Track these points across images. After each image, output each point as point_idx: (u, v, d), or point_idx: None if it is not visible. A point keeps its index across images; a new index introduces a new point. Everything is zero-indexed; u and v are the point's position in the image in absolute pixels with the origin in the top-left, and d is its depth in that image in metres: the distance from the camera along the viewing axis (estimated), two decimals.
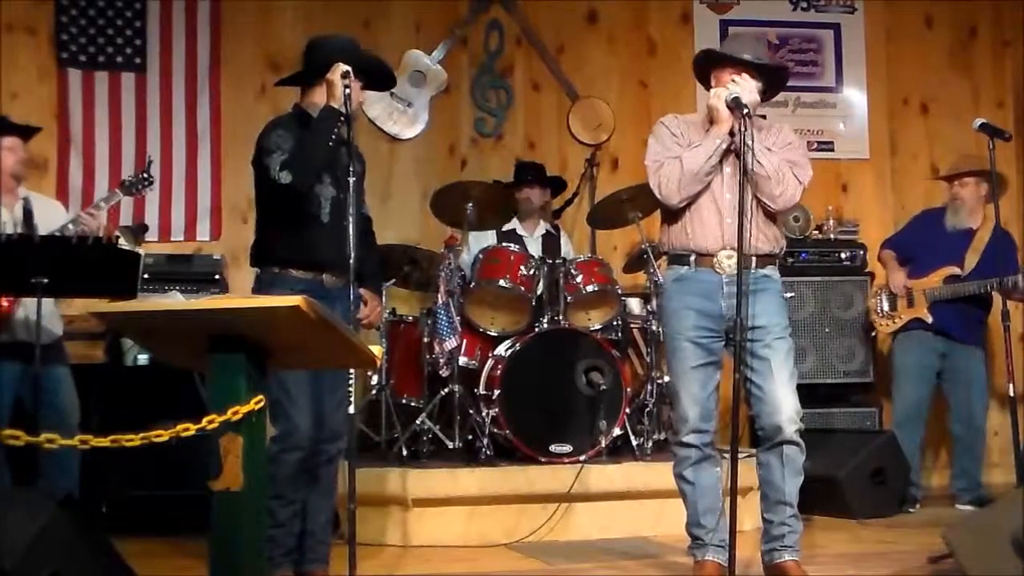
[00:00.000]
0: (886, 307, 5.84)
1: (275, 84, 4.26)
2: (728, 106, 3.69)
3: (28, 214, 4.58)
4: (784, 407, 3.73)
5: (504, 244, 5.52)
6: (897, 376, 5.79)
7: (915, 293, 5.74)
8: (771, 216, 3.85)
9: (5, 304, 4.49)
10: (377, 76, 4.04)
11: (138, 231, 5.16)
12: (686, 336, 3.82)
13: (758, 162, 3.68)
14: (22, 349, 4.45)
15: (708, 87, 3.92)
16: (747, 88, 3.70)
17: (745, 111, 3.62)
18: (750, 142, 3.61)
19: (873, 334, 5.97)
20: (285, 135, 3.79)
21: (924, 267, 5.76)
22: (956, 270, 5.70)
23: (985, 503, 5.34)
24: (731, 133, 3.75)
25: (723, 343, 3.85)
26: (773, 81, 3.89)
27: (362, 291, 4.02)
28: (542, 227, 6.02)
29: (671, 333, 3.88)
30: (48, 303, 4.43)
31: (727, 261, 3.78)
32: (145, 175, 4.89)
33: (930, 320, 5.70)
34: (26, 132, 4.78)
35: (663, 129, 3.91)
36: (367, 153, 4.37)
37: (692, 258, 3.84)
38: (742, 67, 3.78)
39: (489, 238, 5.75)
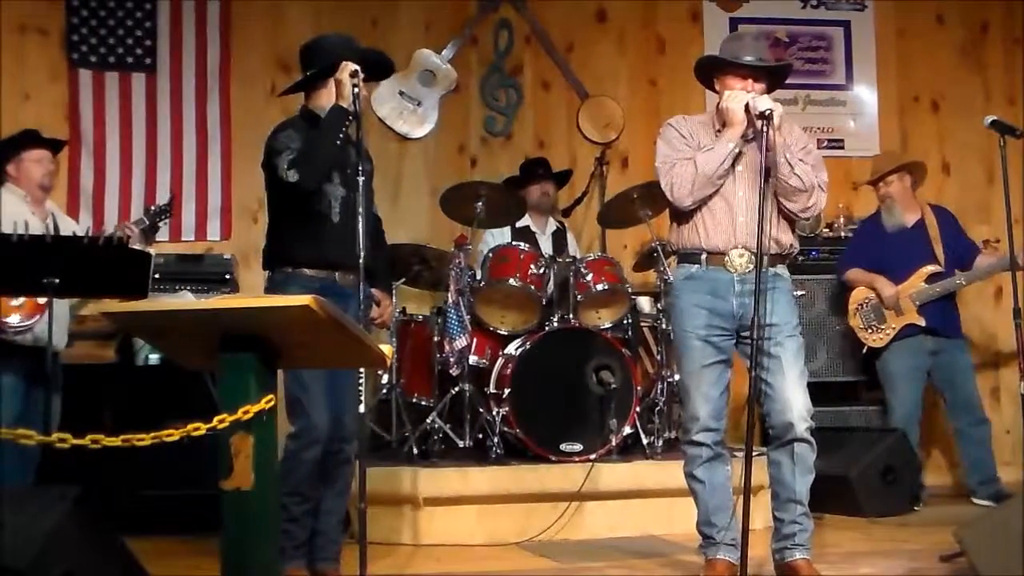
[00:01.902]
0: (873, 320, 5.79)
1: (280, 94, 4.22)
2: (752, 114, 3.68)
3: (57, 229, 4.64)
4: (795, 405, 3.73)
5: (514, 243, 5.52)
6: (892, 381, 5.77)
7: (902, 300, 5.72)
8: (787, 217, 3.86)
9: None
10: (378, 67, 4.04)
11: (149, 231, 5.18)
12: (697, 334, 3.81)
13: (796, 175, 3.72)
14: (29, 363, 4.51)
15: (712, 89, 3.92)
16: (765, 99, 3.69)
17: (768, 111, 3.61)
18: (777, 153, 3.65)
19: (865, 351, 5.88)
20: (293, 135, 3.81)
21: (896, 272, 5.75)
22: (936, 268, 5.73)
23: (1004, 498, 5.32)
24: (744, 136, 3.77)
25: (734, 341, 3.85)
26: (777, 77, 3.91)
27: (374, 291, 4.03)
28: (552, 224, 6.03)
29: (681, 331, 3.88)
30: (61, 316, 4.49)
31: (739, 260, 3.78)
32: (167, 206, 4.97)
33: (923, 323, 5.70)
34: (54, 145, 4.88)
35: (671, 131, 3.91)
36: (376, 152, 4.38)
37: (703, 256, 3.83)
38: (746, 70, 3.79)
39: (506, 235, 5.75)
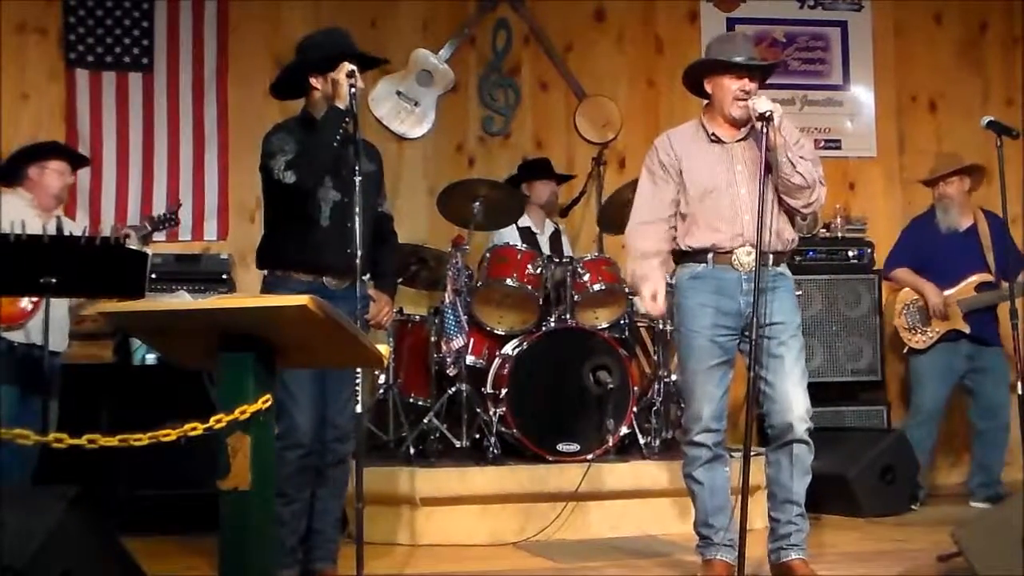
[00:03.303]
0: (918, 322, 5.77)
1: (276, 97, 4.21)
2: (756, 117, 3.70)
3: (60, 231, 4.64)
4: (795, 406, 3.73)
5: (512, 243, 5.52)
6: (923, 378, 5.77)
7: (949, 306, 5.71)
8: (787, 213, 3.87)
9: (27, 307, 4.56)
10: (366, 59, 4.03)
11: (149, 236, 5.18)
12: (704, 334, 3.81)
13: (799, 173, 3.74)
14: (26, 365, 4.52)
15: (698, 93, 3.93)
16: (764, 100, 3.70)
17: (768, 112, 3.64)
18: (779, 153, 3.68)
19: (905, 351, 5.86)
20: (285, 137, 3.81)
21: (945, 276, 5.74)
22: (988, 277, 5.73)
23: (1000, 501, 5.32)
24: (751, 136, 3.81)
25: (737, 341, 3.85)
26: (765, 74, 3.93)
27: (371, 291, 4.02)
28: (550, 225, 6.04)
29: (687, 331, 3.87)
30: (60, 318, 4.50)
31: (746, 258, 3.79)
32: (172, 215, 5.00)
33: (967, 330, 5.70)
34: (76, 160, 4.94)
35: (649, 163, 3.96)
36: None
37: (710, 255, 3.84)
38: (742, 69, 3.80)
39: (512, 233, 5.74)
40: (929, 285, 5.74)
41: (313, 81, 3.87)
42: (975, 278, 5.74)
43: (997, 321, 5.85)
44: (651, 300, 3.86)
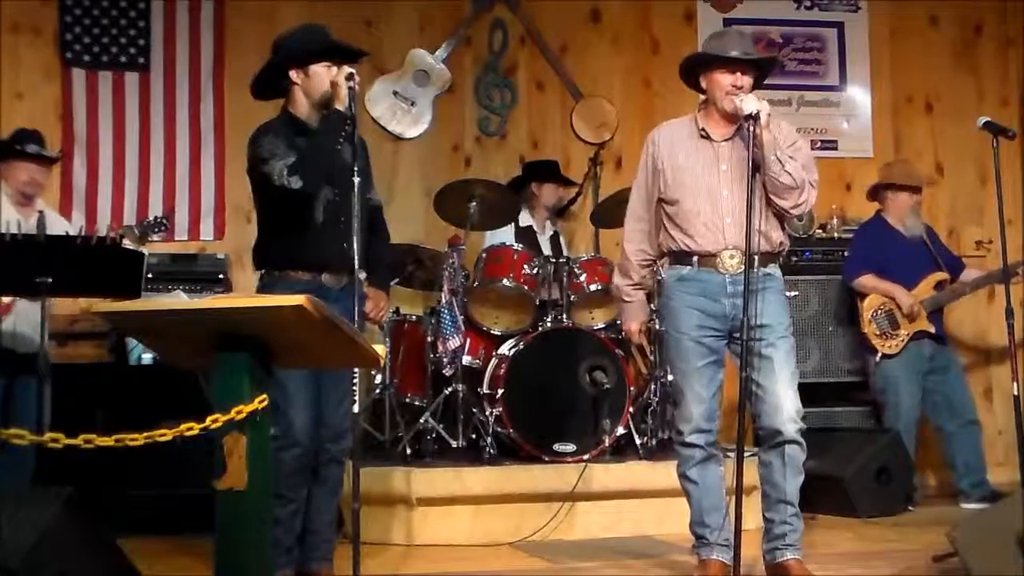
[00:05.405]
0: (887, 327, 5.79)
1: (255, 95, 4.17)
2: (743, 117, 3.69)
3: (42, 227, 4.62)
4: (785, 407, 3.73)
5: (508, 243, 5.52)
6: (896, 385, 5.77)
7: (916, 307, 5.76)
8: (776, 216, 3.86)
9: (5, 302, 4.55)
10: (348, 53, 4.01)
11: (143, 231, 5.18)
12: (689, 335, 3.82)
13: (787, 172, 3.72)
14: (12, 363, 4.54)
15: (695, 88, 3.93)
16: (751, 100, 3.69)
17: (755, 112, 3.63)
18: (767, 151, 3.67)
19: (878, 358, 5.83)
20: (275, 140, 3.79)
21: (904, 279, 5.78)
22: (944, 276, 5.81)
23: (993, 500, 5.32)
24: (738, 135, 3.80)
25: (726, 342, 3.86)
26: (763, 71, 3.92)
27: (366, 289, 4.01)
28: (550, 227, 6.04)
29: (674, 333, 3.89)
30: (34, 314, 4.50)
31: (730, 261, 3.79)
32: (162, 220, 5.00)
33: (933, 330, 5.74)
34: (44, 160, 4.87)
35: (648, 157, 3.97)
36: (370, 153, 4.35)
37: (695, 259, 3.84)
38: (734, 65, 3.80)
39: (508, 233, 5.75)
40: (898, 287, 5.76)
41: (292, 75, 3.87)
42: (933, 277, 5.80)
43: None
44: (634, 335, 4.19)
